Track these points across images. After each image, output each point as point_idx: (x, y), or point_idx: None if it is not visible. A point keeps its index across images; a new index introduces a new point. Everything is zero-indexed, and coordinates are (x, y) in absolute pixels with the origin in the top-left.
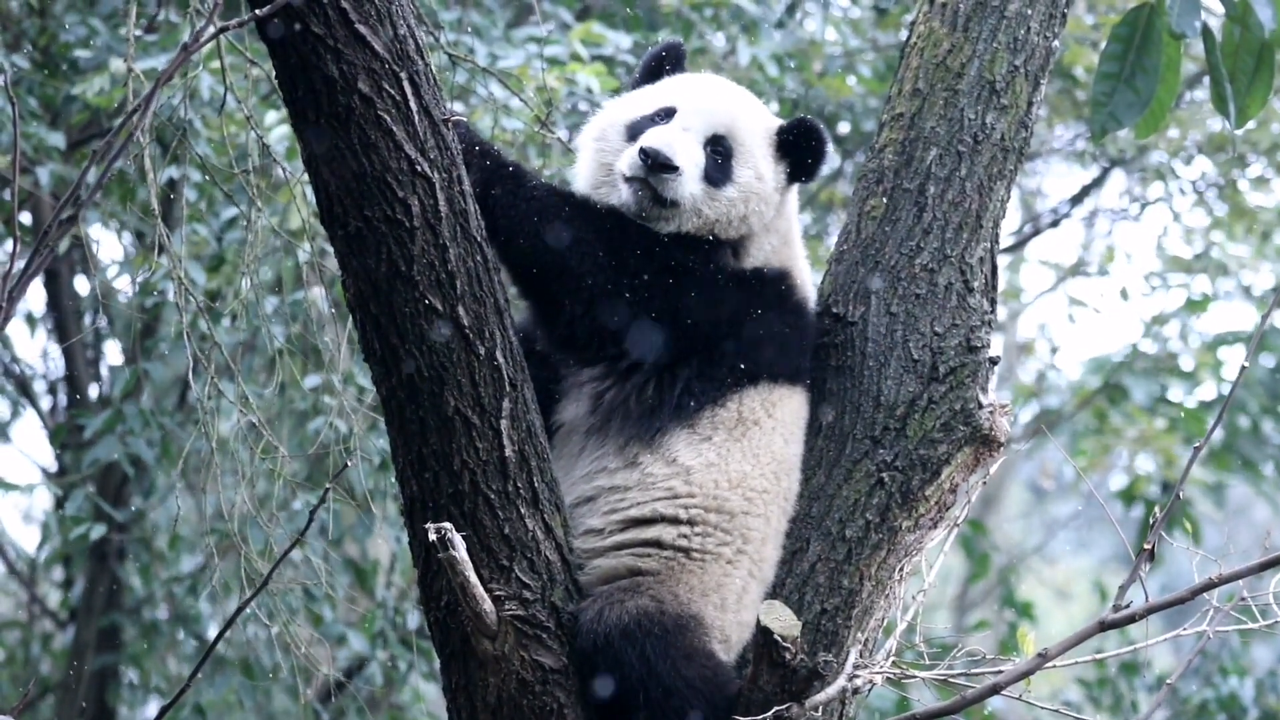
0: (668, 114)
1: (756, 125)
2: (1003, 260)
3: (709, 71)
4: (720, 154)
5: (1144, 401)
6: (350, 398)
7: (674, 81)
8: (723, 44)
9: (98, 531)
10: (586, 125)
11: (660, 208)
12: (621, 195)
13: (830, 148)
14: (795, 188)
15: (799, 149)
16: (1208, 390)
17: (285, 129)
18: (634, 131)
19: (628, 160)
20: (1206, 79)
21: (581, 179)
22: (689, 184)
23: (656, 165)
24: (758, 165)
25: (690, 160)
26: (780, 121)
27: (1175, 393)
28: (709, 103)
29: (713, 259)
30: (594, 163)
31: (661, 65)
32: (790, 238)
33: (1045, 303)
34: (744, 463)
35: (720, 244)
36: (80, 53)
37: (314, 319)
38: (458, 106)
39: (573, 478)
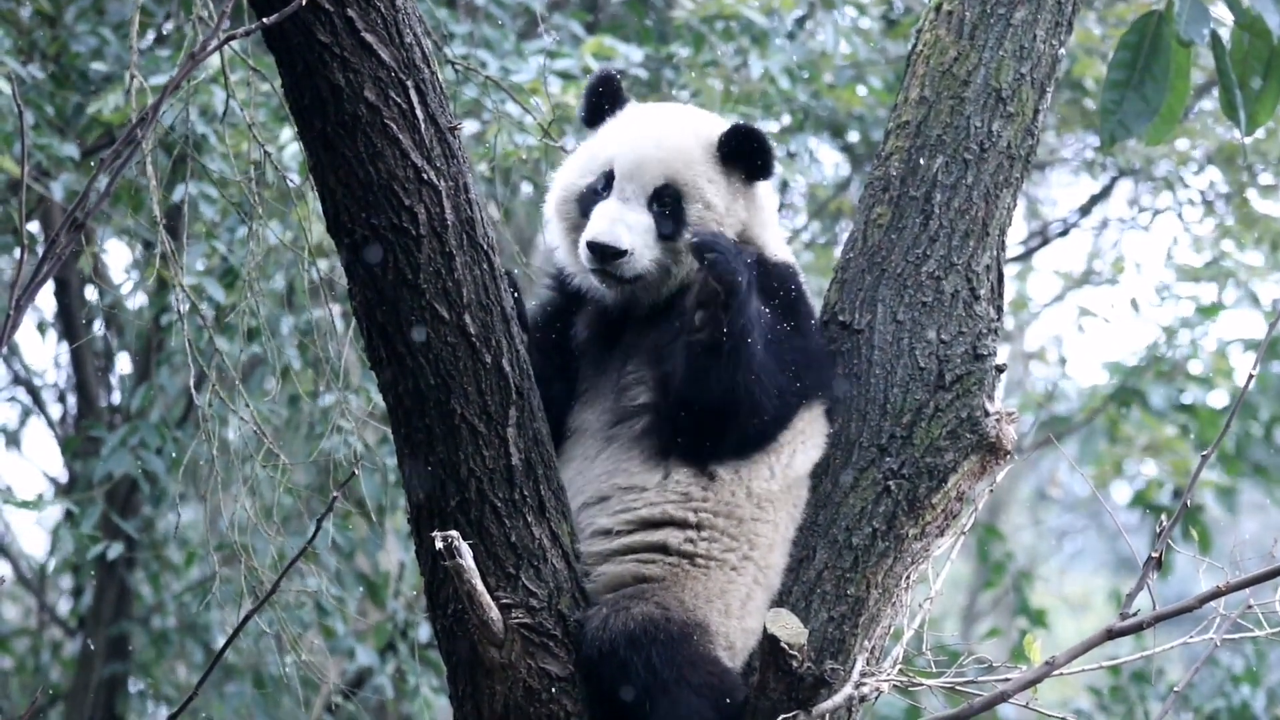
0: (608, 180)
1: (695, 153)
2: (1011, 270)
3: (716, 84)
4: (668, 204)
5: (1161, 406)
6: (360, 409)
7: (610, 132)
8: (734, 57)
9: (115, 550)
10: (549, 192)
11: (630, 285)
12: (593, 285)
13: (771, 144)
14: (763, 183)
15: (744, 156)
16: (1221, 397)
17: (299, 145)
18: (585, 206)
19: (583, 254)
20: (1215, 89)
21: (560, 252)
22: (645, 255)
23: (606, 256)
24: (706, 196)
25: (637, 235)
26: (722, 127)
27: (1192, 397)
28: (642, 159)
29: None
30: (565, 240)
31: (600, 104)
32: (772, 226)
33: (1055, 312)
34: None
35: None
36: (94, 65)
37: (322, 331)
38: (469, 121)
39: (587, 476)
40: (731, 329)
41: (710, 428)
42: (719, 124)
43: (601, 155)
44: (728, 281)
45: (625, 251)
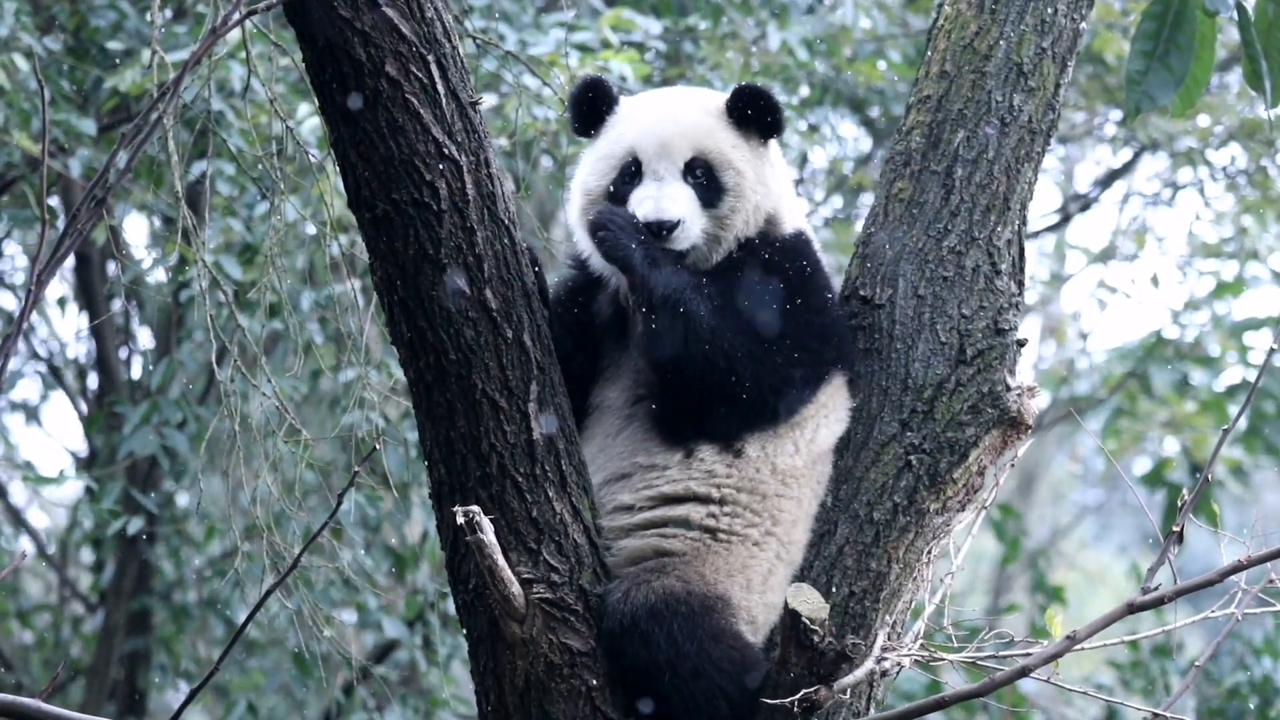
0: (635, 167)
1: (711, 122)
2: (1045, 244)
3: (735, 57)
4: (701, 173)
5: (1166, 389)
6: (383, 385)
7: (622, 125)
8: (753, 30)
9: (135, 526)
10: (569, 202)
11: (683, 258)
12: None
13: (777, 99)
14: (773, 143)
15: (753, 116)
16: (1233, 375)
17: (318, 120)
18: (616, 202)
19: None
20: (1236, 65)
21: (596, 258)
22: (695, 225)
23: (660, 232)
24: (734, 162)
25: (682, 204)
26: (723, 95)
27: (1197, 379)
28: (666, 137)
29: (763, 242)
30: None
31: (597, 108)
32: (788, 191)
33: (1079, 287)
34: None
35: (761, 238)
36: (111, 44)
37: (344, 306)
38: (487, 94)
39: (609, 454)
40: (652, 298)
41: (703, 400)
42: (719, 94)
43: (619, 150)
44: (619, 259)
45: (678, 222)
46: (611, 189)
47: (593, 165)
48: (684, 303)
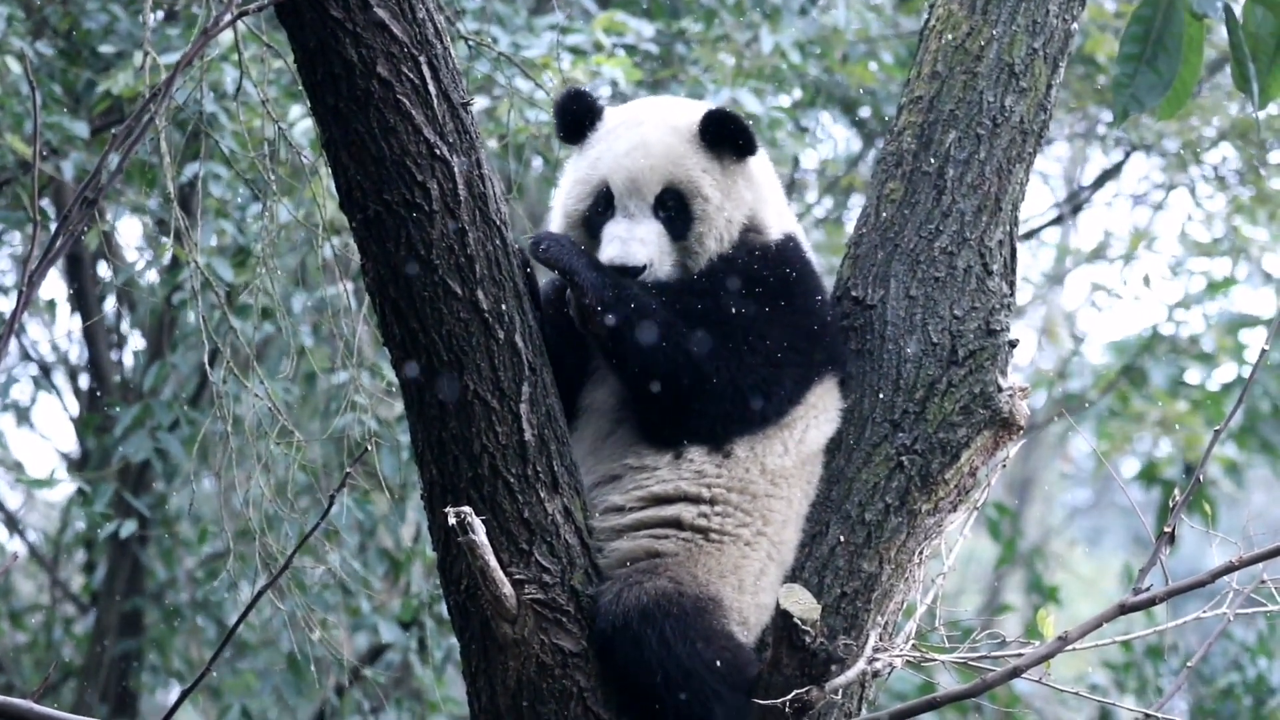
0: (608, 200)
1: (681, 149)
2: (1035, 244)
3: (728, 59)
4: (671, 205)
5: (1163, 385)
6: (376, 387)
7: (598, 147)
8: (745, 32)
9: (128, 529)
10: (551, 216)
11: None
12: None
13: (746, 123)
14: (754, 158)
15: (724, 139)
16: (1228, 372)
17: (310, 122)
18: (591, 230)
19: None
20: (1228, 64)
21: None
22: (665, 262)
23: (627, 275)
24: (703, 189)
25: (651, 247)
26: (699, 112)
27: (1193, 376)
28: (635, 173)
29: (742, 251)
30: None
31: (580, 124)
32: (769, 197)
33: (1073, 286)
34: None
35: (739, 247)
36: (103, 46)
37: (336, 308)
38: (480, 97)
39: (599, 456)
40: (603, 299)
41: (675, 403)
42: (695, 111)
43: (594, 176)
44: (564, 267)
45: (644, 266)
46: (587, 214)
47: (571, 187)
48: (634, 299)
